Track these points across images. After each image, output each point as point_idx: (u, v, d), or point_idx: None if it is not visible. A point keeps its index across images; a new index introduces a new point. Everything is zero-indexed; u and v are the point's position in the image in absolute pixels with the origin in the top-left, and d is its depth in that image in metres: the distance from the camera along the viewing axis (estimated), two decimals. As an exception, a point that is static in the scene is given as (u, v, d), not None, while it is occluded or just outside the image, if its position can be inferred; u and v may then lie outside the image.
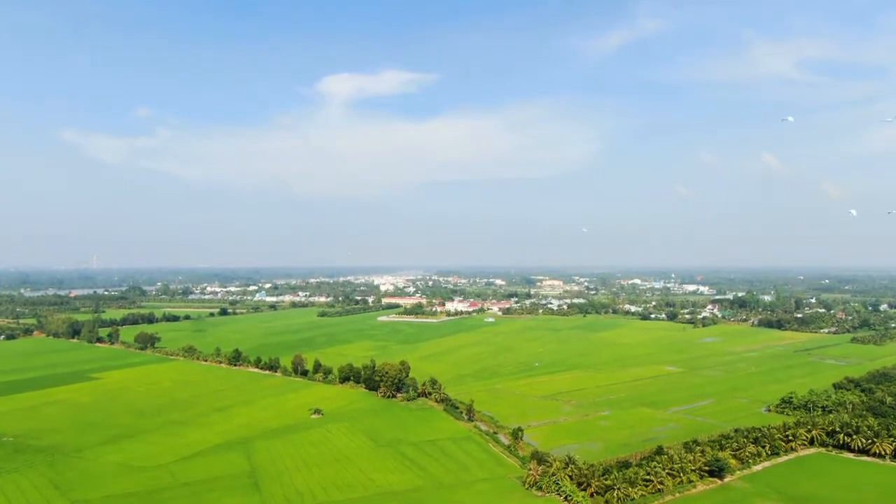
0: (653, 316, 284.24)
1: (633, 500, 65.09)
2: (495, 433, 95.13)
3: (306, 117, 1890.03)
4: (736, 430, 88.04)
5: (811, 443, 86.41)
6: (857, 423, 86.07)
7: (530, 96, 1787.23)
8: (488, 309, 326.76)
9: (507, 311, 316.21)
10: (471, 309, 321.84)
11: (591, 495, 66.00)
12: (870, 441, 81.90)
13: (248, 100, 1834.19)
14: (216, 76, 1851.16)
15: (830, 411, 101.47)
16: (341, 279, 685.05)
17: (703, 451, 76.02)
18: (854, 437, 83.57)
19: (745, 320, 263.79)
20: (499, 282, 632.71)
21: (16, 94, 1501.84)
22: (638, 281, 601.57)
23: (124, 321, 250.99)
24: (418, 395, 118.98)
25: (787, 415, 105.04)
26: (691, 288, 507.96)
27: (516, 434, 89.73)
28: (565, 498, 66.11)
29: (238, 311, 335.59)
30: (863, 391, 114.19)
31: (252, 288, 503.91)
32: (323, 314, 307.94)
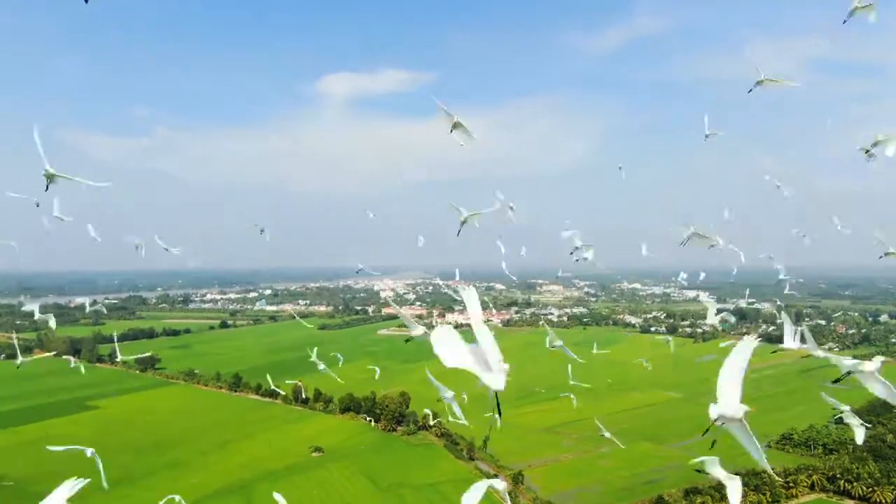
0: (653, 329, 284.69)
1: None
2: (496, 476, 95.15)
3: (305, 117, 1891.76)
4: (736, 474, 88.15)
5: (812, 487, 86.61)
6: (857, 468, 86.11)
7: (529, 94, 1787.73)
8: (488, 320, 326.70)
9: (507, 323, 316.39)
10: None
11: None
12: (870, 489, 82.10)
13: (246, 99, 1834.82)
14: (213, 76, 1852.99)
15: (832, 450, 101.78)
16: (341, 283, 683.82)
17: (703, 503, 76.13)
18: (855, 484, 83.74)
19: (746, 334, 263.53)
20: (499, 286, 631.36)
21: (15, 95, 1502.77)
22: (638, 285, 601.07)
23: (124, 337, 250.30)
24: (419, 429, 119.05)
25: (788, 452, 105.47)
26: (692, 294, 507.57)
27: (517, 478, 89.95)
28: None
29: (238, 322, 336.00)
30: (863, 424, 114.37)
31: (252, 294, 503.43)
32: (323, 327, 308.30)
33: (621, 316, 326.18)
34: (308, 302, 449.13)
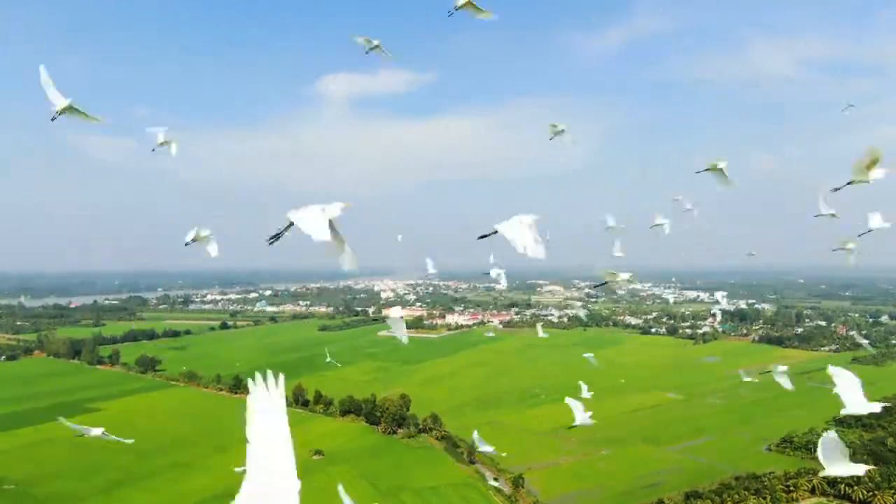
0: (653, 330, 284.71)
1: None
2: (496, 479, 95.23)
3: (305, 117, 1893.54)
4: (737, 478, 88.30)
5: (812, 491, 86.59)
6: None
7: (529, 95, 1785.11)
8: (489, 322, 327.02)
9: (507, 325, 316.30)
10: (471, 322, 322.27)
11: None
12: (871, 493, 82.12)
13: (246, 99, 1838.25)
14: (214, 76, 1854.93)
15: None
16: (341, 284, 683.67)
17: (703, 507, 76.22)
18: (855, 487, 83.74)
19: (746, 335, 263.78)
20: (499, 286, 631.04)
21: (13, 95, 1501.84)
22: (638, 286, 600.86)
23: (125, 338, 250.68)
24: (419, 432, 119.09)
25: (788, 455, 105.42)
26: (692, 294, 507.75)
27: (517, 482, 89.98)
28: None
29: (239, 323, 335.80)
30: (863, 427, 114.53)
31: (253, 295, 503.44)
32: (324, 328, 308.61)
33: (621, 317, 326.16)
34: (308, 303, 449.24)
